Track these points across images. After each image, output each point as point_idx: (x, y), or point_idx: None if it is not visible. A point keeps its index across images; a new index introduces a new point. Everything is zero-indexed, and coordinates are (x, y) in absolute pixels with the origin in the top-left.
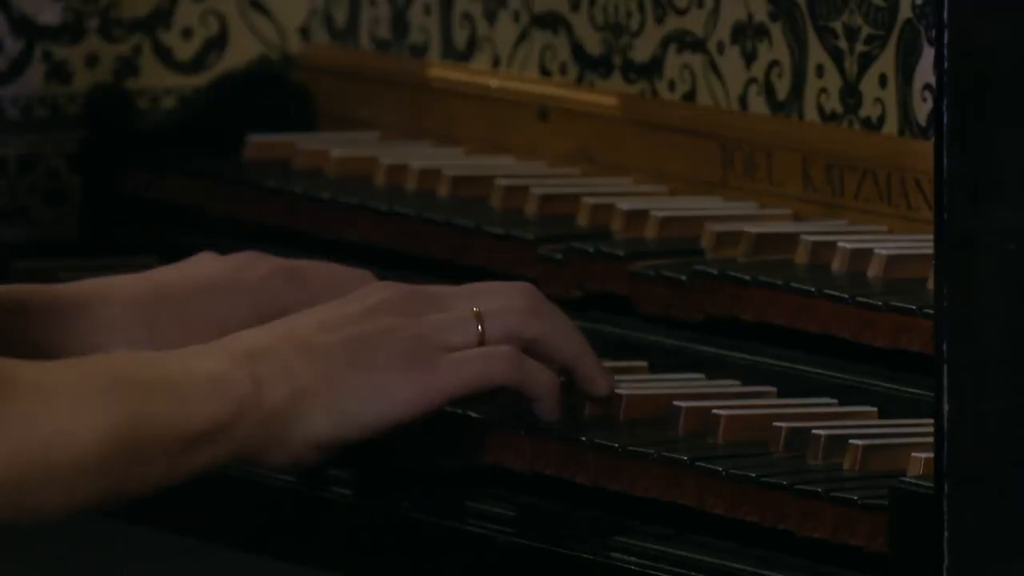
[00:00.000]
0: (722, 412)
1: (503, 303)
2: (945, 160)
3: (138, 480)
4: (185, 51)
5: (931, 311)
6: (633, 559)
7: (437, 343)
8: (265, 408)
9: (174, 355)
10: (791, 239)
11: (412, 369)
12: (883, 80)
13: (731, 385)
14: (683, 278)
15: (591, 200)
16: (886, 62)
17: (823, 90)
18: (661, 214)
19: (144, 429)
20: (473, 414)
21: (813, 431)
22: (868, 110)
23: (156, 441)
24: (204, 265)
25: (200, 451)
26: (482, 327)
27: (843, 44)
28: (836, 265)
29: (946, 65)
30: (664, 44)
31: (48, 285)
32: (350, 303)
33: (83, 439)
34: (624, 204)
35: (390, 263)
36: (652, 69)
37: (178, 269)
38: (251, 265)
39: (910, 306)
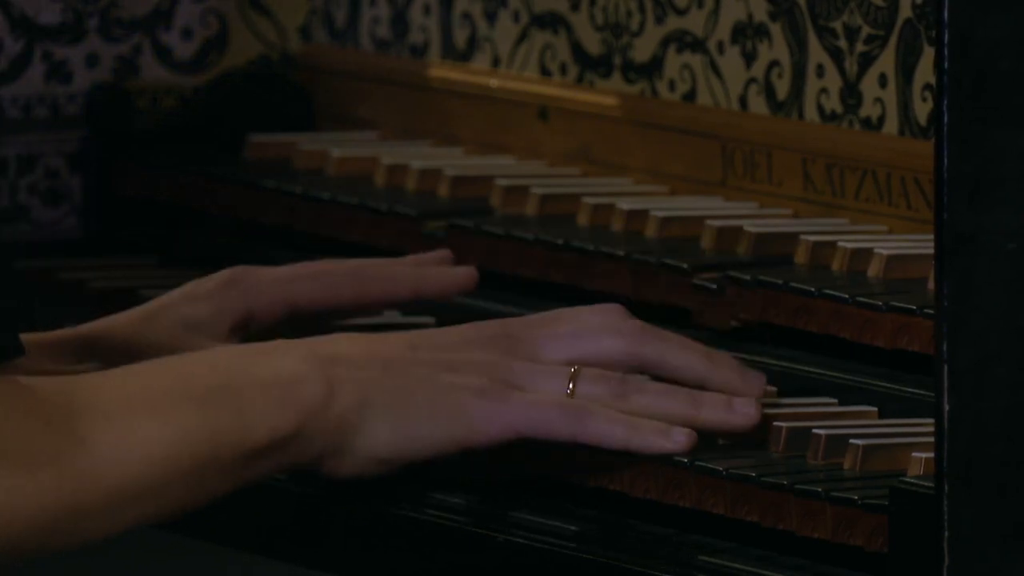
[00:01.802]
0: None
1: (602, 354)
2: (945, 160)
3: (193, 495)
4: (185, 51)
5: (931, 311)
6: (633, 559)
7: (521, 385)
8: (332, 414)
9: (246, 354)
10: (791, 239)
11: (485, 398)
12: (883, 80)
13: None
14: (683, 278)
15: (591, 200)
16: (886, 62)
17: (823, 90)
18: (661, 214)
19: (201, 446)
20: None
21: (813, 431)
22: (868, 110)
23: (213, 458)
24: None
25: (260, 463)
26: (573, 386)
27: (843, 44)
28: (836, 265)
29: (946, 65)
30: (664, 44)
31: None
32: (450, 332)
33: (137, 463)
34: (624, 204)
35: None
36: (652, 69)
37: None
38: (210, 278)
39: (910, 306)
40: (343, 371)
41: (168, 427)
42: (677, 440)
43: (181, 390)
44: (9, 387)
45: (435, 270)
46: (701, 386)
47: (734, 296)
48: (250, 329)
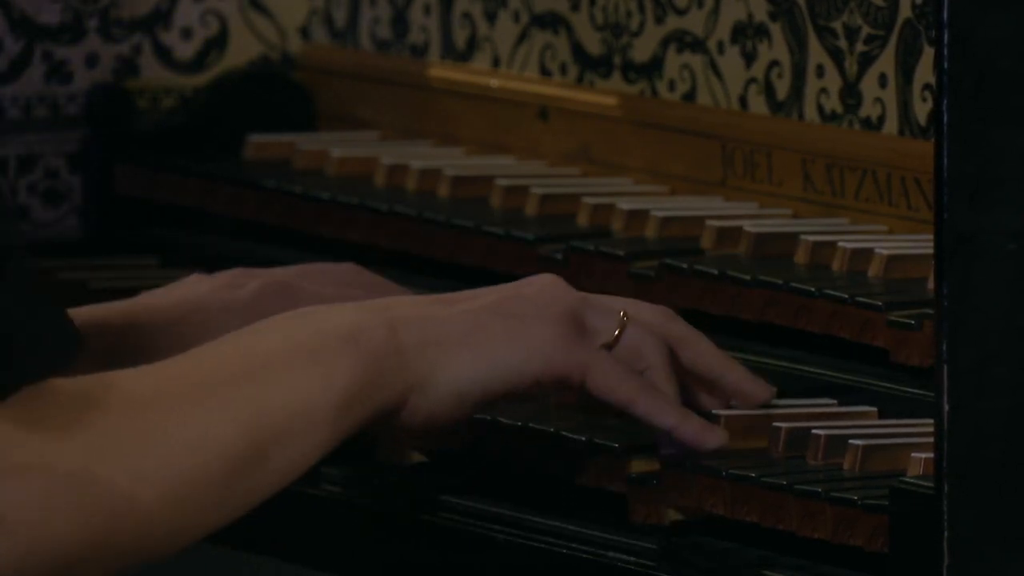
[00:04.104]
0: (723, 412)
1: (647, 313)
2: (945, 160)
3: (292, 458)
4: (185, 51)
5: (931, 311)
6: (633, 559)
7: (582, 318)
8: (404, 353)
9: (304, 317)
10: (791, 239)
11: (560, 332)
12: (883, 80)
13: None
14: (683, 278)
15: (591, 200)
16: (886, 62)
17: (823, 90)
18: (661, 214)
19: (287, 406)
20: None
21: (813, 431)
22: (868, 110)
23: (298, 416)
24: (193, 286)
25: (348, 413)
26: (620, 332)
27: (843, 44)
28: (836, 265)
29: (946, 65)
30: (664, 44)
31: None
32: (492, 288)
33: (231, 436)
34: (624, 204)
35: (390, 263)
36: (652, 69)
37: (167, 291)
38: (239, 283)
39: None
40: (401, 311)
41: (252, 397)
42: (720, 436)
43: (255, 360)
44: (39, 394)
45: None
46: (713, 381)
47: (732, 295)
48: None
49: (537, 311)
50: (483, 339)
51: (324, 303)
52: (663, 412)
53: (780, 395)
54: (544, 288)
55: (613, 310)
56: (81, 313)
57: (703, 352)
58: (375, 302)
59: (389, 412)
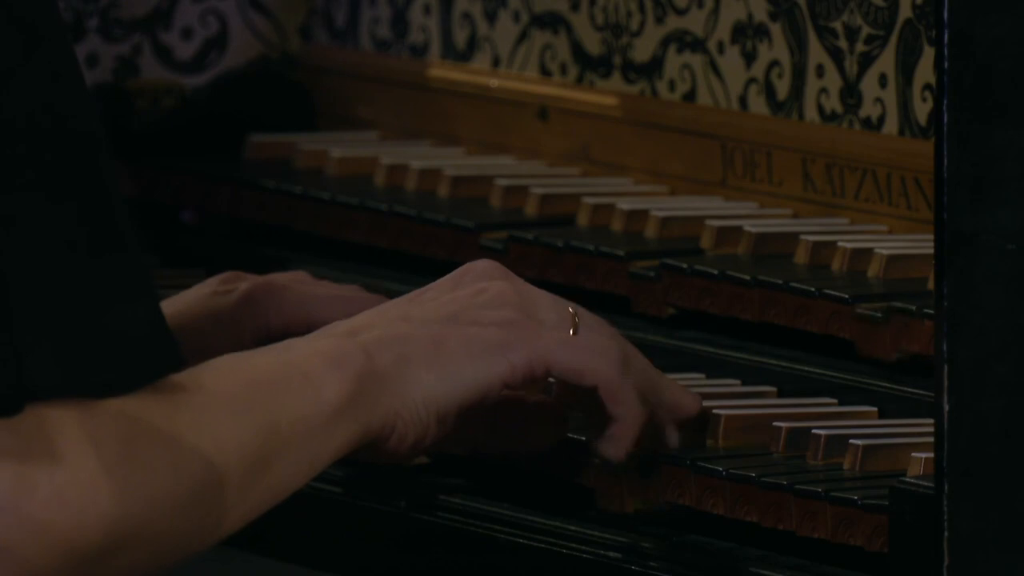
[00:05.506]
0: (722, 412)
1: (587, 316)
2: (945, 160)
3: (286, 476)
4: (185, 51)
5: (931, 311)
6: (633, 559)
7: (534, 313)
8: (379, 377)
9: (284, 344)
10: (791, 239)
11: (516, 330)
12: (883, 80)
13: (731, 385)
14: (683, 278)
15: (591, 200)
16: (886, 62)
17: (823, 90)
18: (661, 214)
19: (284, 421)
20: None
21: (813, 431)
22: (868, 110)
23: (297, 428)
24: (182, 295)
25: (336, 431)
26: (575, 327)
27: (843, 44)
28: (836, 265)
29: (946, 65)
30: (664, 44)
31: None
32: (434, 285)
33: (237, 447)
34: (624, 204)
35: (390, 263)
36: (652, 69)
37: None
38: (226, 288)
39: (910, 306)
40: (369, 336)
41: (251, 413)
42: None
43: (252, 379)
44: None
45: None
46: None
47: (732, 295)
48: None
49: (488, 316)
50: (446, 356)
51: (314, 302)
52: (628, 396)
53: (780, 395)
54: (483, 286)
55: (563, 309)
56: None
57: (642, 367)
58: (342, 327)
59: (375, 439)
